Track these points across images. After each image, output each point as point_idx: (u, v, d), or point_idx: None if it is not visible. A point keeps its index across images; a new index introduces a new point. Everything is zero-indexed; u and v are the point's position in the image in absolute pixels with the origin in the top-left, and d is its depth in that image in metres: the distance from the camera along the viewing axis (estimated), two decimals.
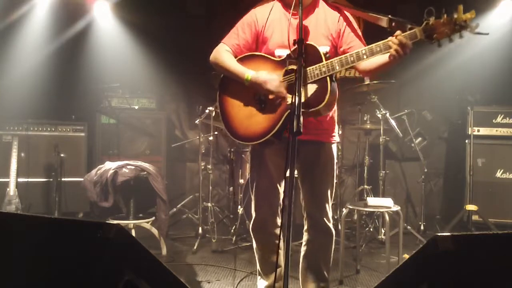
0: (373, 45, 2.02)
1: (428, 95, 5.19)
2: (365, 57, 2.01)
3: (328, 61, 2.05)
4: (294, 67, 2.15)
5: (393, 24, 2.05)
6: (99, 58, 5.08)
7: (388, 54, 2.01)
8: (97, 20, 5.21)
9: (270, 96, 2.21)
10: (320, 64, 2.05)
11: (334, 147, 2.44)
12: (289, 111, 2.13)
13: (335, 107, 2.44)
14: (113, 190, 3.65)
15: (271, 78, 2.18)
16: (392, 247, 3.29)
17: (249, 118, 2.27)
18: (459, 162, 4.78)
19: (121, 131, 4.97)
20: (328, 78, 2.05)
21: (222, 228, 4.59)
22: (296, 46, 1.93)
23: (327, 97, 2.03)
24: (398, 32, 1.96)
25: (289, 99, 2.15)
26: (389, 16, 2.08)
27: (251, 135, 2.27)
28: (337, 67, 2.04)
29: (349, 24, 2.29)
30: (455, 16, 1.81)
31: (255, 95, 2.25)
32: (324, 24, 2.29)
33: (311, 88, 2.09)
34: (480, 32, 1.81)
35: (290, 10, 2.15)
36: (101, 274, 1.31)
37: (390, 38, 1.98)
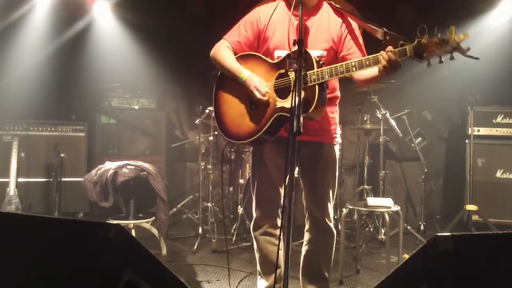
0: (363, 58, 2.02)
1: (428, 95, 5.18)
2: (354, 69, 2.01)
3: (319, 69, 2.05)
4: (285, 71, 2.17)
5: (387, 37, 2.04)
6: (99, 58, 5.08)
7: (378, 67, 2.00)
8: (97, 20, 5.21)
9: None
10: (311, 72, 2.05)
11: (336, 148, 2.44)
12: (278, 114, 2.16)
13: (337, 108, 2.45)
14: (113, 190, 3.66)
15: (260, 85, 2.20)
16: (392, 247, 3.30)
17: (241, 116, 2.30)
18: (459, 162, 4.78)
19: (121, 131, 4.97)
20: (317, 86, 2.05)
21: (222, 228, 4.58)
22: (295, 46, 1.94)
23: (314, 105, 2.04)
24: (389, 47, 1.95)
25: (278, 103, 2.17)
26: (384, 29, 2.08)
27: (241, 134, 2.29)
28: (326, 77, 2.04)
29: (351, 31, 2.29)
30: (448, 36, 1.77)
31: (249, 94, 2.27)
32: (327, 27, 2.29)
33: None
34: (472, 56, 1.77)
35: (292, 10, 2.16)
36: (101, 274, 1.31)
37: (381, 52, 1.97)
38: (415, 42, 1.85)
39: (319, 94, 2.05)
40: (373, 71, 2.09)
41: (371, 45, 2.22)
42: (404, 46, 1.89)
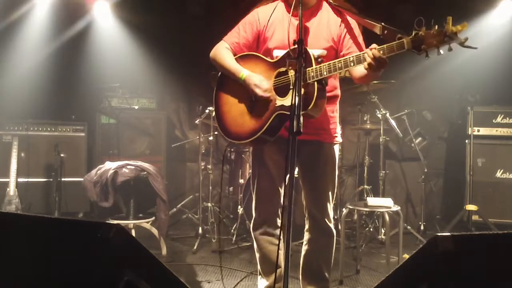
0: (360, 52, 2.02)
1: (428, 95, 5.18)
2: (352, 64, 2.01)
3: (317, 66, 2.05)
4: (285, 69, 2.17)
5: (385, 31, 2.04)
6: (99, 58, 5.08)
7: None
8: (97, 20, 5.21)
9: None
10: (309, 69, 2.05)
11: (336, 148, 2.44)
12: (278, 112, 2.15)
13: (337, 107, 2.45)
14: (113, 190, 3.65)
15: (261, 82, 2.20)
16: (392, 247, 3.30)
17: (242, 116, 2.30)
18: (459, 162, 4.78)
19: (121, 131, 4.97)
20: (316, 83, 2.06)
21: (222, 228, 4.58)
22: (295, 46, 1.94)
23: (313, 102, 2.04)
24: (373, 45, 1.95)
25: (278, 101, 2.17)
26: (382, 23, 2.07)
27: (242, 134, 2.29)
28: (325, 73, 2.04)
29: (350, 29, 2.30)
30: (445, 27, 1.77)
31: (249, 93, 2.27)
32: (327, 27, 2.29)
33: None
34: (470, 46, 1.76)
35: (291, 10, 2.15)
36: (101, 274, 1.31)
37: (365, 50, 1.97)
38: (413, 34, 1.85)
39: (318, 91, 2.05)
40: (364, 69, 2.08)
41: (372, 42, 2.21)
42: (402, 39, 1.89)
